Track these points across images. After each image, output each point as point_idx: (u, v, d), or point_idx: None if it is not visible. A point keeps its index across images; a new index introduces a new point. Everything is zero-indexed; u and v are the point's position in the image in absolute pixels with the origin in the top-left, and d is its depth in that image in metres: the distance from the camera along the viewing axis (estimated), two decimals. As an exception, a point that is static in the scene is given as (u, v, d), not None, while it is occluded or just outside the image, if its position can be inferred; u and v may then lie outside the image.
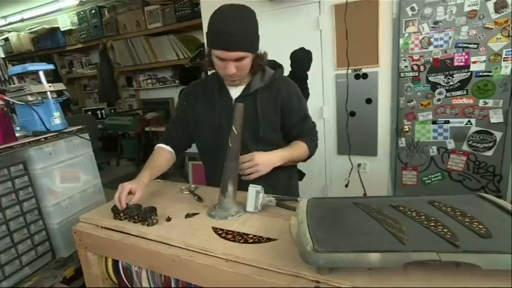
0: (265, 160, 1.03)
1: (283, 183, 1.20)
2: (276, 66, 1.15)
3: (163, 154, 1.18)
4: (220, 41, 0.93)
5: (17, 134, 1.25)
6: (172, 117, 1.28)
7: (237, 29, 0.92)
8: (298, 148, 1.13)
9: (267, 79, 1.09)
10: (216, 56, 0.97)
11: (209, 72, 1.22)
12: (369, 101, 2.05)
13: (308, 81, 2.19)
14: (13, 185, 1.15)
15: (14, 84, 1.69)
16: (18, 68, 1.32)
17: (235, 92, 1.11)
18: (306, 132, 1.17)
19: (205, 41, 1.04)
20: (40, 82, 1.34)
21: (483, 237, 0.60)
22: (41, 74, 1.34)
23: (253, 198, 0.92)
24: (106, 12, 4.42)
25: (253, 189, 0.92)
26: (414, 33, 1.84)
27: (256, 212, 0.93)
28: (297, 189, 1.33)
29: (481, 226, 0.63)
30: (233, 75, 1.00)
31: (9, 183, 1.14)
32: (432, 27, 1.80)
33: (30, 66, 1.31)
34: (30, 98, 1.29)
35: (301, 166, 2.33)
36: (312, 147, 1.17)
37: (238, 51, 0.94)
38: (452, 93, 1.84)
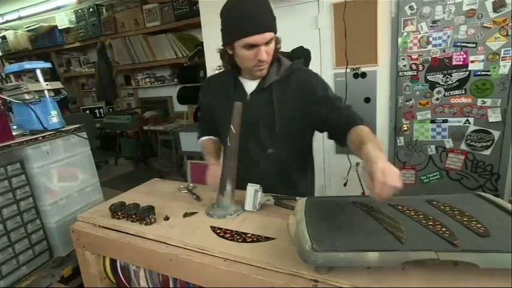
0: (386, 171, 0.68)
1: (308, 191, 1.21)
2: (294, 58, 1.09)
3: (212, 141, 1.23)
4: (252, 25, 0.88)
5: (14, 133, 1.24)
6: (200, 115, 1.31)
7: (261, 10, 0.89)
8: (364, 130, 0.89)
9: (283, 71, 1.03)
10: (245, 45, 0.91)
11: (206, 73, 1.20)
12: (367, 100, 2.05)
13: (307, 80, 2.19)
14: (10, 184, 1.15)
15: (11, 82, 1.68)
16: (14, 66, 1.31)
17: (250, 87, 1.06)
18: (347, 115, 0.97)
19: (225, 37, 0.98)
20: (37, 80, 1.33)
21: (481, 236, 0.60)
22: (38, 72, 1.33)
23: (251, 197, 0.92)
24: (104, 11, 4.39)
25: (251, 188, 0.92)
26: (413, 32, 1.84)
27: (254, 211, 0.93)
28: (312, 191, 1.30)
29: (479, 225, 0.63)
30: (265, 61, 0.95)
31: (6, 182, 1.13)
32: (431, 26, 1.79)
33: (27, 65, 1.30)
34: (27, 97, 1.28)
35: (299, 165, 2.34)
36: (366, 123, 0.94)
37: (269, 31, 0.90)
38: (451, 92, 1.84)
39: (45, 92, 1.33)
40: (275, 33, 0.94)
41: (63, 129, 1.36)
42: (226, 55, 1.02)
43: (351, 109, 1.01)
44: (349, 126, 0.92)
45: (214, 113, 1.16)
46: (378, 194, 0.66)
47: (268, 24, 0.91)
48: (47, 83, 1.33)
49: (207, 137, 1.24)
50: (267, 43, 0.92)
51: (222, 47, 1.03)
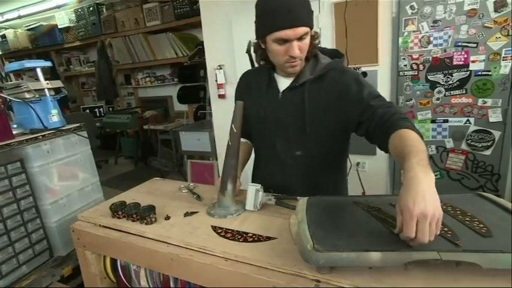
0: (426, 198, 0.56)
1: (328, 188, 1.07)
2: (336, 55, 1.02)
3: (243, 148, 1.10)
4: (284, 19, 0.84)
5: (14, 132, 1.24)
6: None
7: (296, 3, 0.84)
8: (413, 141, 0.72)
9: (319, 70, 0.96)
10: (276, 39, 0.87)
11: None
12: (368, 99, 2.05)
13: (307, 79, 2.19)
14: (10, 183, 1.14)
15: (11, 81, 1.67)
16: (15, 65, 1.31)
17: (283, 84, 1.01)
18: (388, 113, 0.85)
19: (258, 30, 0.94)
20: (37, 79, 1.33)
21: (484, 237, 0.59)
22: (38, 71, 1.33)
23: (252, 197, 0.92)
24: (104, 10, 4.39)
25: (252, 187, 0.92)
26: (414, 32, 1.84)
27: (255, 211, 0.93)
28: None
29: (481, 225, 0.63)
30: (297, 57, 0.90)
31: (6, 181, 1.13)
32: (432, 26, 1.79)
33: (27, 63, 1.30)
34: (27, 95, 1.28)
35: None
36: (416, 130, 0.79)
37: (302, 26, 0.85)
38: (451, 92, 1.84)
39: (46, 90, 1.32)
40: (311, 28, 0.90)
41: (64, 128, 1.36)
42: (259, 49, 0.98)
43: (392, 108, 0.88)
44: (388, 130, 0.81)
45: (246, 109, 1.03)
46: (405, 232, 0.52)
47: (302, 18, 0.86)
48: (48, 81, 1.33)
49: (243, 140, 1.09)
50: (300, 38, 0.87)
51: (255, 41, 0.98)
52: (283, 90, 1.00)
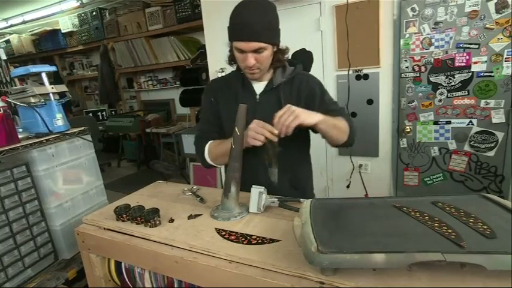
0: (303, 110, 0.94)
1: (303, 183, 1.20)
2: (294, 63, 1.16)
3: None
4: (239, 33, 0.96)
5: (20, 136, 1.26)
6: (203, 119, 1.23)
7: (256, 20, 0.94)
8: (337, 118, 1.04)
9: (288, 74, 1.11)
10: (236, 48, 0.99)
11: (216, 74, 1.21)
12: (370, 101, 2.05)
13: (309, 82, 2.20)
14: (16, 186, 1.16)
15: (16, 86, 1.69)
16: (20, 70, 1.33)
17: (258, 87, 1.11)
18: (335, 110, 1.08)
19: (227, 36, 1.04)
20: (42, 84, 1.35)
21: (488, 238, 0.59)
22: (44, 75, 1.34)
23: (256, 199, 0.92)
24: (107, 14, 4.43)
25: (256, 190, 0.92)
26: (415, 33, 1.84)
27: (259, 213, 0.93)
28: (311, 190, 1.29)
29: (485, 227, 0.63)
30: (252, 66, 1.00)
31: (12, 185, 1.14)
32: (433, 27, 1.80)
33: (33, 68, 1.31)
34: (32, 100, 1.29)
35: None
36: (350, 124, 1.07)
37: (257, 41, 0.95)
38: (454, 93, 1.84)
39: (50, 95, 1.34)
40: (270, 44, 0.99)
41: (68, 132, 1.37)
42: (231, 51, 1.07)
43: (343, 112, 1.11)
44: None
45: (220, 113, 1.16)
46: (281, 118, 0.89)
47: (258, 34, 0.95)
48: (52, 86, 1.35)
49: (211, 141, 1.16)
50: (257, 51, 0.97)
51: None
52: (260, 93, 1.11)
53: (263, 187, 0.93)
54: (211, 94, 1.19)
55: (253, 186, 0.93)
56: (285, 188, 1.11)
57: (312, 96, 1.10)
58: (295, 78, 1.11)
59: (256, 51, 0.97)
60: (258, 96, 1.11)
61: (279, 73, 1.10)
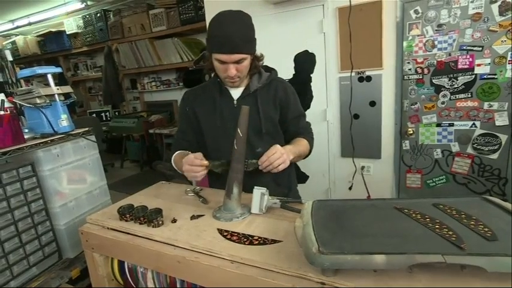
0: (285, 152, 1.03)
1: (285, 178, 1.25)
2: (270, 69, 1.22)
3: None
4: (221, 45, 0.99)
5: (26, 136, 1.27)
6: (178, 127, 1.30)
7: (236, 32, 0.98)
8: (301, 144, 1.17)
9: (264, 79, 1.16)
10: (216, 59, 1.02)
11: (212, 75, 1.23)
12: (372, 103, 2.05)
13: (312, 83, 2.19)
14: (22, 186, 1.17)
15: (21, 86, 1.71)
16: (27, 71, 1.35)
17: (235, 93, 1.16)
18: (303, 128, 1.24)
19: (206, 46, 1.08)
20: (47, 85, 1.36)
21: (489, 240, 0.60)
22: (49, 77, 1.36)
23: (258, 200, 0.93)
24: (111, 16, 4.47)
25: (258, 191, 0.93)
26: (418, 36, 1.84)
27: (261, 214, 0.94)
28: (296, 185, 1.36)
29: (486, 229, 0.63)
30: (234, 76, 1.05)
31: (18, 184, 1.16)
32: (436, 30, 1.79)
33: (39, 70, 1.33)
34: (38, 101, 1.31)
35: (304, 169, 2.34)
36: (311, 143, 1.23)
37: (238, 53, 1.00)
38: (457, 95, 1.83)
39: (56, 96, 1.36)
40: (249, 54, 1.04)
41: (73, 132, 1.39)
42: (208, 61, 1.10)
43: (308, 126, 1.27)
44: (298, 136, 1.20)
45: (198, 121, 1.20)
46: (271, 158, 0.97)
47: (239, 46, 0.99)
48: (58, 87, 1.36)
49: (178, 152, 1.21)
50: (237, 62, 1.02)
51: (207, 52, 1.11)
52: (238, 98, 1.15)
53: (265, 188, 0.94)
54: (186, 104, 1.22)
55: (255, 187, 0.94)
56: (270, 185, 1.08)
57: (287, 103, 1.18)
58: (272, 84, 1.17)
59: (237, 61, 1.02)
60: (235, 102, 1.14)
61: (255, 79, 1.15)
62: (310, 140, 1.23)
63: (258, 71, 1.16)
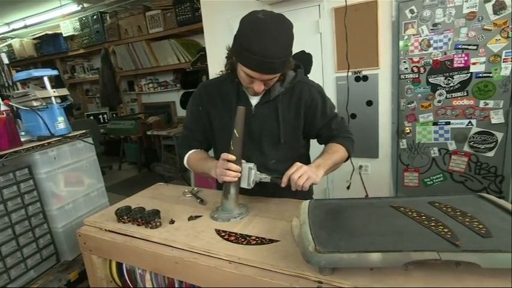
0: (309, 168, 0.92)
1: (310, 195, 1.18)
2: (296, 67, 1.06)
3: (200, 151, 1.13)
4: (257, 65, 0.86)
5: (22, 139, 1.27)
6: (187, 124, 1.18)
7: (278, 54, 0.85)
8: (333, 151, 1.03)
9: (288, 83, 1.02)
10: (245, 72, 0.90)
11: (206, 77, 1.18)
12: (369, 103, 2.06)
13: (309, 83, 2.21)
14: (18, 189, 1.17)
15: (18, 89, 1.71)
16: (23, 74, 1.34)
17: (254, 99, 1.04)
18: (336, 129, 1.09)
19: (233, 50, 0.95)
20: (43, 87, 1.36)
21: (483, 237, 0.60)
22: (46, 79, 1.36)
23: (246, 175, 0.92)
24: (108, 18, 4.46)
25: (246, 165, 0.92)
26: (414, 35, 1.85)
27: (258, 213, 0.94)
28: (312, 189, 1.24)
29: (481, 226, 0.64)
30: (260, 92, 0.96)
31: (14, 187, 1.16)
32: (431, 29, 1.81)
33: (35, 72, 1.33)
34: (35, 104, 1.31)
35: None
36: (348, 144, 1.07)
37: (275, 74, 0.91)
38: (453, 94, 1.84)
39: (52, 98, 1.35)
40: (282, 72, 0.94)
41: (70, 135, 1.39)
42: (231, 59, 0.98)
43: (343, 124, 1.12)
44: (330, 140, 1.08)
45: (210, 122, 1.11)
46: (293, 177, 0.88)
47: (277, 68, 0.89)
48: (54, 90, 1.36)
49: (193, 151, 1.13)
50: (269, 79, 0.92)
51: (230, 50, 0.98)
52: (256, 105, 1.04)
53: (253, 163, 0.93)
54: (199, 103, 1.12)
55: (243, 162, 0.92)
56: (285, 195, 1.05)
57: (314, 107, 1.05)
58: (296, 87, 1.03)
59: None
60: (253, 108, 1.04)
61: (278, 83, 1.01)
62: (346, 141, 1.06)
63: (283, 78, 1.01)
